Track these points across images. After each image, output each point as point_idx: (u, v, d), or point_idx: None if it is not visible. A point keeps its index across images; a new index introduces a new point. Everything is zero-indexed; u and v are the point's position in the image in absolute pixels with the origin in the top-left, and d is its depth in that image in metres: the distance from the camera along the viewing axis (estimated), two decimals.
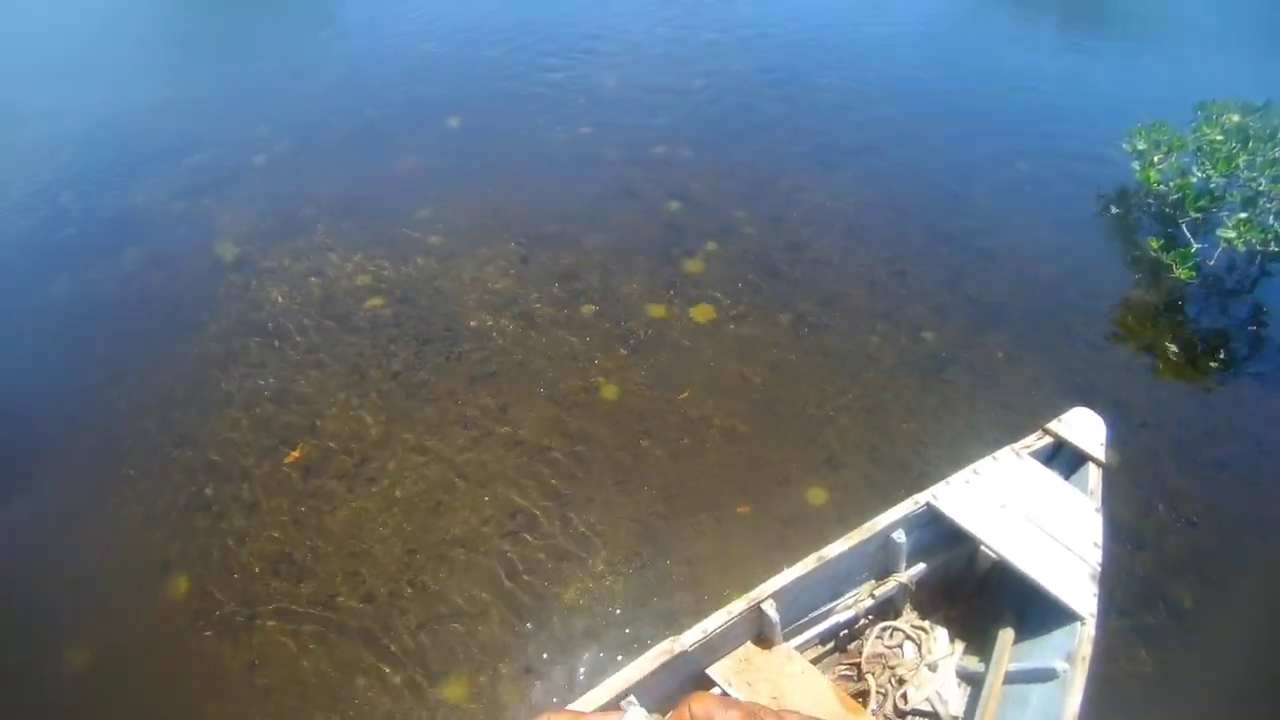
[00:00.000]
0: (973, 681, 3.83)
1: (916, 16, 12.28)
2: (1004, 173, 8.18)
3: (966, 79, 10.22)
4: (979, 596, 4.23)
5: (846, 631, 4.19)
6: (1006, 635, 3.79)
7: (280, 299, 6.40)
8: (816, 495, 4.97)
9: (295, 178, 7.88)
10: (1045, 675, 3.47)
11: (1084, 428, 4.50)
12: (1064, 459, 4.49)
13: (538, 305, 6.21)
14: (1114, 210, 7.94)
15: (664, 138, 8.26)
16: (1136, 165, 7.88)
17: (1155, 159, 7.79)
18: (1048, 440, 4.46)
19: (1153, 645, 4.47)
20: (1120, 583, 4.70)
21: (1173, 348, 6.56)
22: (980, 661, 3.86)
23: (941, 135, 8.76)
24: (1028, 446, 4.40)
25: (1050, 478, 4.25)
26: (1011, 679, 3.61)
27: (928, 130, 8.81)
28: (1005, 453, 4.32)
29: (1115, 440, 5.42)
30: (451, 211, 7.23)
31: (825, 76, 9.86)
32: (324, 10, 12.72)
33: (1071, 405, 4.68)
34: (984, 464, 4.23)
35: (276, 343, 6.05)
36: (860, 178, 7.79)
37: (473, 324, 6.08)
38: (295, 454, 5.30)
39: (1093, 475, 4.29)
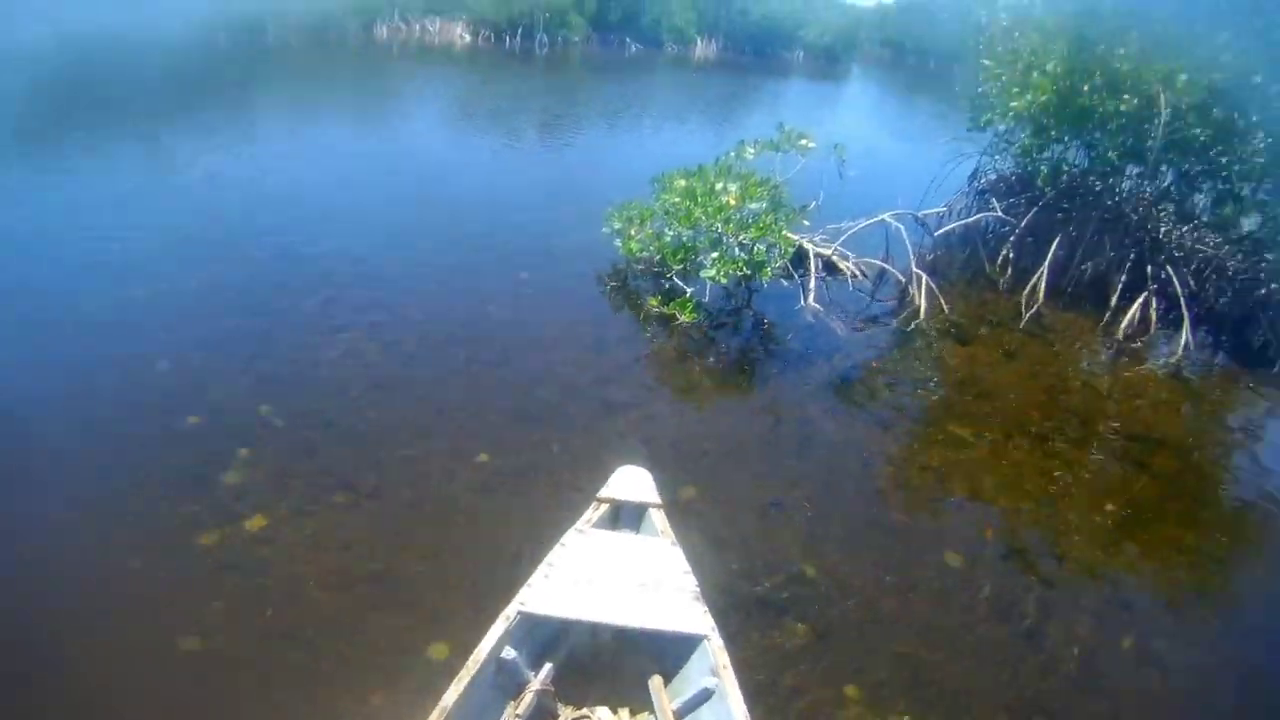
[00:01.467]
0: None
1: (393, 172, 12.51)
2: (508, 285, 8.28)
3: (456, 211, 10.48)
4: (618, 663, 4.14)
5: None
6: (657, 682, 3.83)
7: None
8: (439, 651, 4.25)
9: None
10: (704, 696, 3.62)
11: (631, 482, 4.69)
12: (627, 516, 4.62)
13: (72, 582, 4.75)
14: (613, 285, 8.46)
15: (166, 348, 7.05)
16: (618, 242, 8.58)
17: (633, 232, 8.55)
18: (605, 507, 4.55)
19: (802, 616, 4.70)
20: (748, 585, 4.87)
21: (702, 377, 7.02)
22: (650, 715, 3.82)
23: (445, 268, 8.66)
24: (589, 520, 4.45)
25: (619, 537, 4.38)
26: (680, 715, 3.69)
27: (432, 267, 8.67)
28: (570, 535, 4.31)
29: (690, 474, 5.77)
30: None
31: (316, 245, 9.19)
32: None
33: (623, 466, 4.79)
34: (555, 553, 4.18)
35: None
36: (375, 334, 7.32)
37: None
38: None
39: (657, 518, 4.48)
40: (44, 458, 5.60)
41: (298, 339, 7.26)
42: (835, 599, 4.90)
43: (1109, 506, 6.15)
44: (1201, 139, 9.57)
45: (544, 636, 4.06)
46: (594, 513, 4.52)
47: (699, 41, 41.18)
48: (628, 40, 39.24)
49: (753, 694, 4.01)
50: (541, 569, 4.12)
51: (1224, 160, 9.85)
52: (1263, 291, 9.84)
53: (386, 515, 5.33)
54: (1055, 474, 6.47)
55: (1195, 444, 7.31)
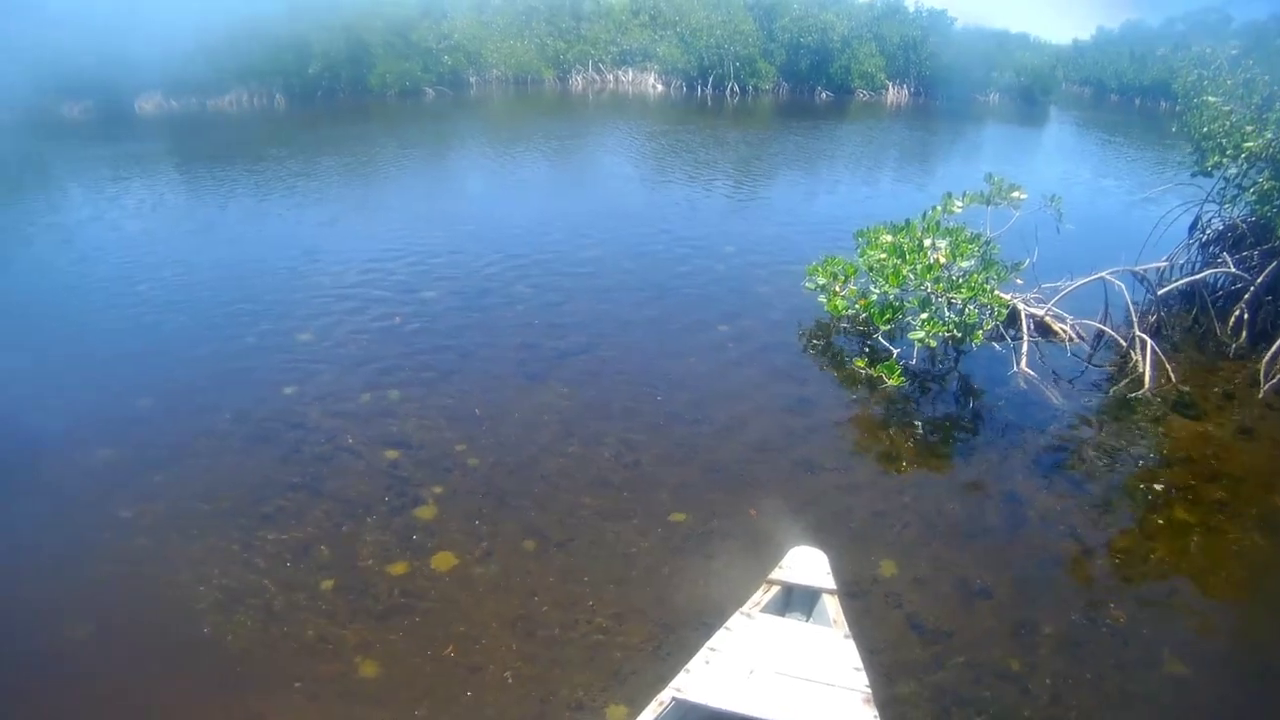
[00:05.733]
0: None
1: (581, 219, 13.04)
2: (707, 338, 8.53)
3: (656, 262, 10.87)
4: None
5: None
6: None
7: None
8: (617, 713, 4.45)
9: None
10: None
11: (806, 564, 4.51)
12: (799, 600, 4.45)
13: (271, 592, 5.42)
14: (815, 343, 8.49)
15: (369, 383, 7.75)
16: (822, 299, 8.59)
17: (836, 289, 8.57)
18: (776, 589, 4.39)
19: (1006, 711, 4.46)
20: (935, 679, 4.61)
21: (906, 444, 6.89)
22: None
23: (641, 323, 9.05)
24: (757, 604, 4.29)
25: (789, 625, 4.19)
26: None
27: (626, 321, 9.07)
28: (737, 618, 4.17)
29: (889, 549, 5.58)
30: (153, 507, 6.23)
31: (517, 287, 9.93)
32: None
33: (821, 541, 4.72)
34: (719, 638, 4.04)
35: None
36: (571, 381, 7.69)
37: (205, 630, 5.14)
38: None
39: (830, 606, 4.26)
40: None
41: (494, 381, 7.72)
42: (1045, 704, 4.58)
43: None
44: None
45: None
46: (763, 595, 4.35)
47: (890, 87, 40.32)
48: (818, 88, 39.13)
49: None
50: (703, 654, 3.95)
51: None
52: None
53: (575, 569, 5.42)
54: None
55: None
